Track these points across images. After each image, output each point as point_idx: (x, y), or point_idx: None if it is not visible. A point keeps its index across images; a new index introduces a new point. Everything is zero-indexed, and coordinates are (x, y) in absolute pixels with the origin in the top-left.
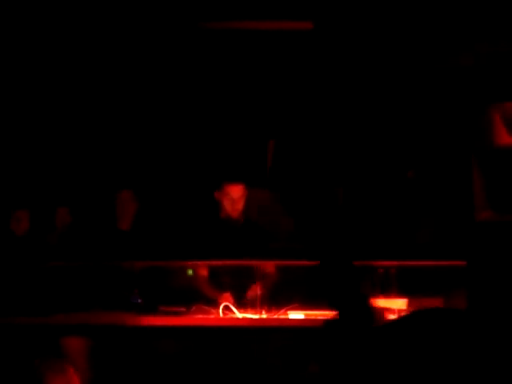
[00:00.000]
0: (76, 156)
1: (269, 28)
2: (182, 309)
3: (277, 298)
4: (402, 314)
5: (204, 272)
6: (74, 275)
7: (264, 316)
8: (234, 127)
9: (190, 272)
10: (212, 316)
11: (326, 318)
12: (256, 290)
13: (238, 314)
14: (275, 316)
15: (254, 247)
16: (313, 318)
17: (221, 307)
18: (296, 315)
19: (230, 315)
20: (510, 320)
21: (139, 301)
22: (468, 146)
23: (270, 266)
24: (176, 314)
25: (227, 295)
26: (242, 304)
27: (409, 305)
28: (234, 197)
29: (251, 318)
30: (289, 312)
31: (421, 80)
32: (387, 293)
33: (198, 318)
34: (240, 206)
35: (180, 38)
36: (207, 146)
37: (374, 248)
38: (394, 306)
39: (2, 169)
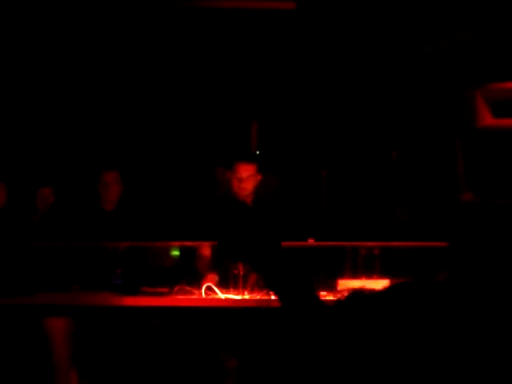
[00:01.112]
0: (61, 136)
1: (251, 7)
2: (165, 289)
3: (259, 278)
4: None
5: (207, 252)
6: (56, 255)
7: (247, 297)
8: (218, 109)
9: (176, 253)
10: (194, 297)
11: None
12: (239, 271)
13: (221, 295)
14: (258, 297)
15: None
16: None
17: (203, 288)
18: None
19: (213, 296)
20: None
21: (121, 282)
22: (451, 127)
23: None
24: (158, 294)
25: (211, 276)
26: (224, 284)
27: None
28: (243, 176)
29: (234, 299)
30: (272, 293)
31: (405, 61)
32: (370, 274)
33: (181, 298)
34: (248, 185)
35: (162, 17)
36: (192, 127)
37: (357, 229)
38: (377, 286)
39: None
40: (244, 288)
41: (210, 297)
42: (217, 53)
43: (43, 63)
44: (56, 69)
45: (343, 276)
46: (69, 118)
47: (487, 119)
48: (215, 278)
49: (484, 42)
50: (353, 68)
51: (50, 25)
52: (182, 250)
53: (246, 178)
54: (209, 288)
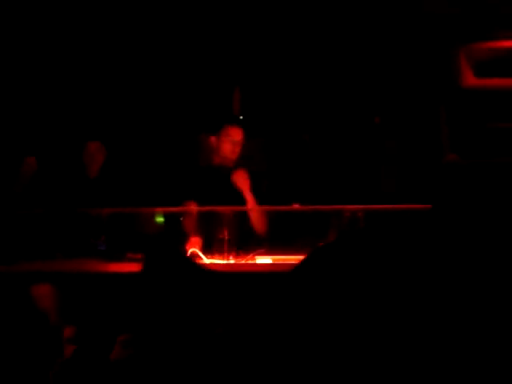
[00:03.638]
0: (45, 107)
1: None
2: None
3: (243, 242)
4: None
5: (193, 208)
6: (40, 223)
7: (232, 261)
8: (199, 74)
9: (160, 219)
10: None
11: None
12: (224, 235)
13: (206, 260)
14: (243, 261)
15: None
16: (281, 262)
17: (188, 253)
18: (264, 260)
19: (198, 261)
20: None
21: (106, 248)
22: (434, 88)
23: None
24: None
25: (195, 240)
26: (208, 249)
27: None
28: (236, 139)
29: (219, 264)
30: (256, 257)
31: (387, 23)
32: None
33: None
34: (239, 149)
35: None
36: (174, 94)
37: (341, 193)
38: None
39: None
40: (229, 253)
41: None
42: (198, 17)
43: (28, 37)
44: (41, 42)
45: (328, 239)
46: (52, 89)
47: (470, 79)
48: (199, 242)
49: (467, 3)
50: (334, 30)
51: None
52: (167, 215)
53: (239, 142)
54: (193, 253)
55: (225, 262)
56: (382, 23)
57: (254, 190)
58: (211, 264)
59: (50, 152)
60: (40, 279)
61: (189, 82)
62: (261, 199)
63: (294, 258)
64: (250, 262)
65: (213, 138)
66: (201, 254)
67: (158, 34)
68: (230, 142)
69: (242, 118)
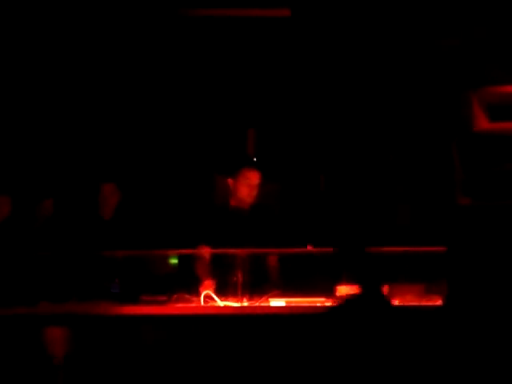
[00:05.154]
0: (61, 149)
1: (247, 15)
2: (164, 298)
3: (256, 284)
4: None
5: (206, 258)
6: (55, 265)
7: (245, 304)
8: (215, 117)
9: (174, 261)
10: (193, 304)
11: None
12: (237, 277)
13: (220, 303)
14: (257, 304)
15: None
16: (294, 305)
17: (202, 295)
18: (277, 303)
19: (212, 303)
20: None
21: (120, 290)
22: (448, 130)
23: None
24: (157, 303)
25: (208, 282)
26: (223, 292)
27: (389, 292)
28: (253, 182)
29: (233, 306)
30: (270, 299)
31: (402, 66)
32: None
33: (180, 306)
34: (256, 192)
35: (159, 26)
36: (189, 135)
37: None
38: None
39: None
40: (242, 295)
41: (209, 304)
42: (213, 60)
43: (43, 76)
44: (55, 82)
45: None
46: (69, 131)
47: (483, 123)
48: (213, 284)
49: (480, 46)
50: (349, 72)
51: (50, 35)
52: (180, 257)
53: (256, 186)
54: (208, 296)
55: (239, 304)
56: (398, 67)
57: (269, 231)
58: (225, 306)
59: (66, 194)
60: (55, 322)
61: (204, 124)
62: (275, 241)
63: (307, 300)
64: (263, 304)
65: (230, 181)
66: (214, 296)
67: (174, 76)
68: (248, 186)
69: (256, 159)
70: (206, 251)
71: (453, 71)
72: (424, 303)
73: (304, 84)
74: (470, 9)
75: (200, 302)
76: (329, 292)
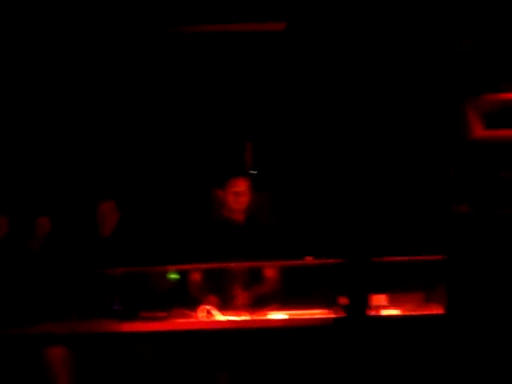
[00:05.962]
0: (58, 166)
1: (241, 30)
2: (163, 314)
3: (257, 298)
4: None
5: (197, 276)
6: (55, 283)
7: (247, 318)
8: (211, 132)
9: (175, 276)
10: (193, 320)
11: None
12: (236, 291)
13: (220, 317)
14: (258, 317)
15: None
16: (296, 317)
17: (199, 311)
18: (279, 316)
19: (212, 318)
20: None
21: (120, 308)
22: (444, 138)
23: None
24: (157, 319)
25: (210, 298)
26: (223, 306)
27: (389, 301)
28: (238, 189)
29: (234, 321)
30: (271, 313)
31: (397, 75)
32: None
33: (179, 322)
34: (244, 199)
35: (154, 42)
36: (185, 150)
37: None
38: (374, 302)
39: None
40: (243, 309)
41: (209, 319)
42: (210, 76)
43: (39, 92)
44: (52, 100)
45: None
46: (66, 149)
47: (479, 131)
48: (215, 300)
49: (475, 53)
50: (343, 85)
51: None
52: (181, 273)
53: (242, 193)
54: (207, 310)
55: (240, 318)
56: (393, 77)
57: (265, 243)
58: (226, 321)
59: (64, 212)
60: (55, 341)
61: (200, 139)
62: (273, 253)
63: (308, 313)
64: (264, 317)
65: (220, 192)
66: (214, 311)
67: (172, 92)
68: (233, 193)
69: (254, 172)
70: (195, 277)
71: (448, 79)
72: (424, 312)
73: (301, 96)
74: (464, 18)
75: (197, 317)
76: (329, 303)
